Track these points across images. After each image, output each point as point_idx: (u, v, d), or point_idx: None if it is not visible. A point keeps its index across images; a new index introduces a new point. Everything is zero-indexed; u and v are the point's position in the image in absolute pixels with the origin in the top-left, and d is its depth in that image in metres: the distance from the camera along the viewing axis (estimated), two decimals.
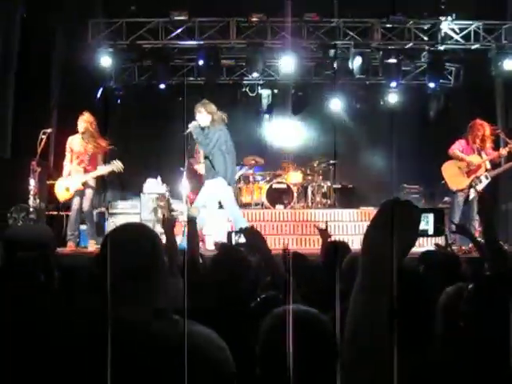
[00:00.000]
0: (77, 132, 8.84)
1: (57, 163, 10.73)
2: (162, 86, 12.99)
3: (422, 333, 1.77)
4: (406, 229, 1.40)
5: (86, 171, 8.72)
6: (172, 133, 13.62)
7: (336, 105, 13.46)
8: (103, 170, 8.78)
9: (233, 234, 3.30)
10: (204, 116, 8.03)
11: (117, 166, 8.60)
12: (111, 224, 10.70)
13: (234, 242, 3.30)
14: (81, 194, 8.74)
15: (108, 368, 1.59)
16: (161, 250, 1.90)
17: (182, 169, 9.96)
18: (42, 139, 8.73)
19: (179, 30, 12.16)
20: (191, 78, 13.87)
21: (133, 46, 12.24)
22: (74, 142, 8.79)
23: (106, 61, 12.13)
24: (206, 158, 8.17)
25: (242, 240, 3.26)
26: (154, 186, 11.18)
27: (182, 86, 13.72)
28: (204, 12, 12.05)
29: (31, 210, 7.62)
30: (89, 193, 8.79)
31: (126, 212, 11.01)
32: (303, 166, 12.51)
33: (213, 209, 8.55)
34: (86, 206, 8.78)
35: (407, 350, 1.40)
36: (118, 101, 13.73)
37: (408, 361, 1.42)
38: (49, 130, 8.98)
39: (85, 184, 8.73)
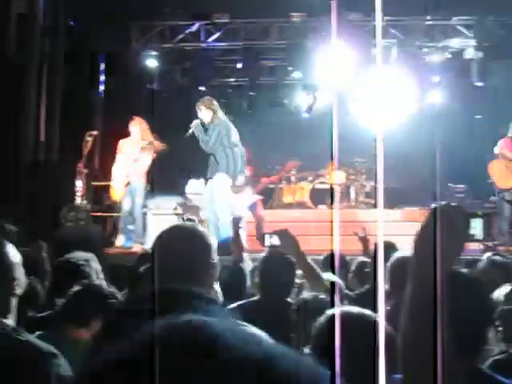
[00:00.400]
0: (126, 135, 8.89)
1: (102, 164, 10.92)
2: (203, 88, 13.01)
3: (477, 338, 1.75)
4: (456, 234, 1.39)
5: (138, 174, 8.80)
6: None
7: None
8: (146, 158, 8.76)
9: (267, 236, 3.29)
10: (204, 113, 7.85)
11: (156, 146, 8.64)
12: (154, 225, 10.81)
13: (267, 244, 3.29)
14: (131, 195, 8.81)
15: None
16: (212, 249, 1.92)
17: None
18: (87, 141, 8.89)
19: (220, 32, 12.25)
20: (232, 79, 13.91)
21: (175, 48, 12.38)
22: (125, 145, 8.82)
23: (148, 63, 12.29)
24: (209, 155, 7.89)
25: (276, 242, 3.24)
26: (196, 187, 11.25)
27: (223, 87, 13.80)
28: (245, 13, 12.11)
29: (81, 208, 7.74)
30: (139, 194, 8.85)
31: (168, 213, 11.11)
32: (346, 166, 12.40)
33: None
34: (136, 206, 8.83)
35: (462, 355, 1.39)
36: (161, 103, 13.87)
37: (462, 366, 1.41)
38: (95, 132, 9.14)
39: (135, 185, 8.79)
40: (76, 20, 11.82)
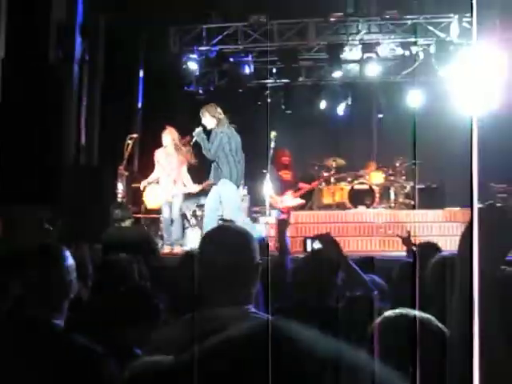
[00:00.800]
0: (161, 144, 8.97)
1: (142, 167, 11.04)
2: (241, 90, 13.00)
3: None
4: (502, 235, 1.36)
5: (174, 182, 8.86)
6: (253, 136, 13.75)
7: (416, 102, 13.12)
8: (194, 188, 8.95)
9: (308, 240, 3.26)
10: (208, 119, 7.89)
11: (208, 184, 8.67)
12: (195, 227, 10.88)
13: (309, 248, 3.26)
14: (169, 203, 8.89)
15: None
16: (257, 250, 1.92)
17: (264, 171, 9.95)
18: (128, 144, 8.98)
19: (257, 33, 12.27)
20: (270, 81, 13.89)
21: (212, 51, 12.44)
22: (160, 156, 8.90)
23: (187, 66, 12.37)
24: (213, 161, 7.89)
25: (318, 246, 3.21)
26: None
27: (260, 89, 13.81)
28: (282, 14, 12.11)
29: (127, 207, 7.85)
30: (177, 202, 8.91)
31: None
32: (385, 166, 12.27)
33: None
34: (174, 214, 8.90)
35: None
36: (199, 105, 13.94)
37: None
38: (135, 136, 9.24)
39: (174, 193, 8.88)
40: (115, 24, 11.95)
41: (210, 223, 7.41)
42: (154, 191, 9.03)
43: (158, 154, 8.92)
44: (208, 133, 7.94)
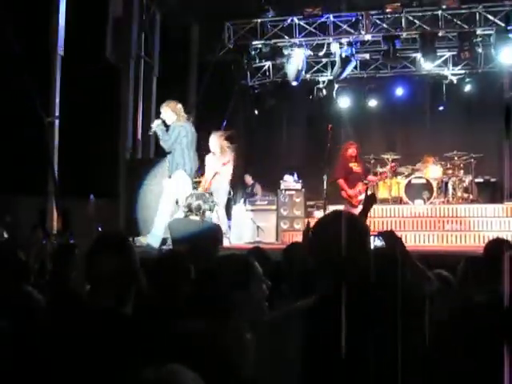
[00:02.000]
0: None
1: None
2: (295, 83, 12.87)
3: None
4: None
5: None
6: (310, 129, 13.71)
7: (475, 95, 12.80)
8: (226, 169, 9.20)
9: (371, 238, 3.17)
10: (166, 113, 8.16)
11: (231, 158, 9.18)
12: (249, 220, 10.94)
13: (372, 246, 3.19)
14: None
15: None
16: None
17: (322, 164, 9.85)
18: None
19: (312, 27, 12.20)
20: (325, 75, 13.79)
21: (267, 44, 12.42)
22: (209, 160, 9.29)
23: (241, 60, 12.39)
24: (168, 153, 8.19)
25: (380, 243, 3.14)
26: (290, 183, 11.30)
27: (313, 82, 13.73)
28: (338, 6, 12.00)
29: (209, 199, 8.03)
30: (222, 196, 9.24)
31: (263, 209, 11.22)
32: (443, 160, 12.00)
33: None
34: (220, 211, 9.11)
35: None
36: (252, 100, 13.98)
37: None
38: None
39: (218, 188, 9.14)
40: (170, 21, 12.07)
41: (168, 214, 7.72)
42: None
43: (208, 159, 9.35)
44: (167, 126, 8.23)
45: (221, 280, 2.28)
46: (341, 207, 10.81)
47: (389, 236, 2.99)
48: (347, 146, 9.59)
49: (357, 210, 9.40)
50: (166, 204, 7.94)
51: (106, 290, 2.16)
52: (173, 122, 8.14)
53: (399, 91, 13.29)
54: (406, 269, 3.28)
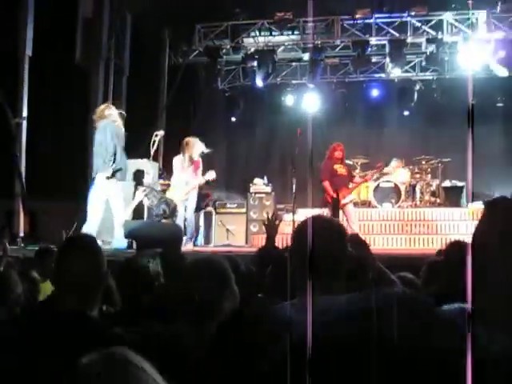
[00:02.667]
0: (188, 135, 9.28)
1: (166, 163, 11.12)
2: (261, 85, 12.80)
3: None
4: None
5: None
6: (280, 133, 13.76)
7: (443, 100, 12.99)
8: (198, 180, 9.06)
9: None
10: (96, 115, 8.16)
11: (210, 175, 8.97)
12: (219, 223, 10.95)
13: None
14: (184, 203, 9.06)
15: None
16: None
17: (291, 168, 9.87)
18: (154, 141, 9.04)
19: (283, 30, 12.26)
20: (295, 78, 13.86)
21: (237, 47, 12.45)
22: (177, 163, 9.17)
23: (212, 63, 12.39)
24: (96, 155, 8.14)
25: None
26: (260, 186, 11.34)
27: (283, 85, 13.80)
28: (307, 11, 12.06)
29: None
30: (191, 202, 9.16)
31: (232, 212, 11.23)
32: (411, 164, 12.16)
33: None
34: (189, 214, 9.10)
35: None
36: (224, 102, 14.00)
37: None
38: (161, 132, 9.29)
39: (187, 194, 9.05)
40: (140, 22, 12.02)
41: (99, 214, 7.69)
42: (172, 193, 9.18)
43: (175, 161, 9.23)
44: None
45: (195, 284, 2.29)
46: (310, 209, 10.88)
47: (354, 239, 3.04)
48: (334, 147, 9.45)
49: (348, 212, 9.37)
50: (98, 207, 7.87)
51: (73, 293, 2.15)
52: (100, 123, 8.08)
53: (368, 95, 13.44)
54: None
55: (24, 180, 8.73)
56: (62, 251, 2.33)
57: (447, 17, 11.79)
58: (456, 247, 4.32)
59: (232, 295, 2.32)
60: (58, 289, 2.26)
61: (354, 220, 9.35)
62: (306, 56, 12.33)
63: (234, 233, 10.90)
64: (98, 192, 7.80)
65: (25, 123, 9.12)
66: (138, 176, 9.27)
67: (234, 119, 13.74)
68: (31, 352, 1.91)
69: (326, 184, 9.22)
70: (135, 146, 10.64)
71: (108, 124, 7.98)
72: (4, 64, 8.77)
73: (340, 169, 9.34)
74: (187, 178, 8.99)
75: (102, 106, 8.33)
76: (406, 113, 13.32)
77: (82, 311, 2.11)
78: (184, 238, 8.76)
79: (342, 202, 9.18)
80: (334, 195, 9.13)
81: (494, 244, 1.37)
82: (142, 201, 8.27)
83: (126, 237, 7.11)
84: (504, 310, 1.36)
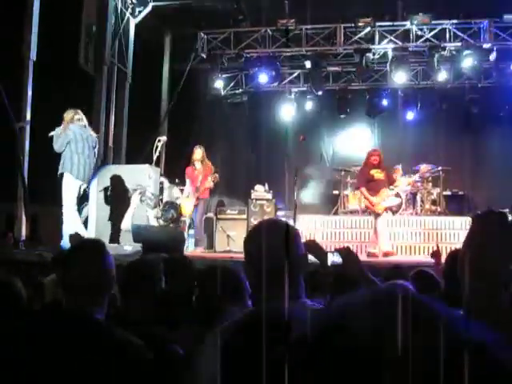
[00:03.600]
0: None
1: (168, 169, 11.16)
2: (263, 91, 12.87)
3: None
4: (505, 239, 1.38)
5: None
6: (282, 139, 13.79)
7: (445, 109, 13.02)
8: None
9: (329, 254, 3.24)
10: (64, 120, 8.40)
11: (213, 177, 9.88)
12: (220, 229, 10.96)
13: (330, 262, 3.25)
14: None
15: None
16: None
17: (295, 178, 9.87)
18: (157, 146, 9.07)
19: (285, 38, 12.28)
20: (297, 85, 13.91)
21: (240, 55, 12.49)
22: (190, 173, 10.10)
23: (214, 70, 12.44)
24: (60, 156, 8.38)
25: (338, 259, 3.20)
26: (261, 193, 11.35)
27: (285, 92, 13.84)
28: (311, 19, 12.11)
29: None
30: (201, 206, 10.09)
31: (233, 218, 11.24)
32: (412, 173, 12.17)
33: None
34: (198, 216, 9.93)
35: None
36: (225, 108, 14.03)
37: None
38: (164, 138, 9.33)
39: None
40: (144, 28, 12.07)
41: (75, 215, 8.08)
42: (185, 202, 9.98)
43: (189, 171, 10.15)
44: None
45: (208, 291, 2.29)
46: (311, 216, 10.90)
47: (345, 253, 3.06)
48: (370, 153, 9.54)
49: (382, 218, 9.42)
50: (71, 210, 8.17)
51: (81, 297, 2.17)
52: (64, 128, 8.29)
53: (371, 103, 13.47)
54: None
55: (26, 184, 8.75)
56: (70, 255, 2.35)
57: (449, 26, 11.83)
58: (455, 257, 4.35)
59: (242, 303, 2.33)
60: (66, 292, 2.28)
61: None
62: (308, 63, 12.32)
63: (234, 239, 10.89)
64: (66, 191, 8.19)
65: (28, 128, 9.15)
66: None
67: (235, 125, 13.78)
68: (38, 355, 1.93)
69: (363, 190, 9.39)
70: (138, 151, 10.70)
71: (77, 129, 8.29)
72: (8, 68, 8.80)
73: (377, 174, 9.37)
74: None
75: (72, 112, 8.50)
76: (410, 117, 13.37)
77: (89, 314, 2.13)
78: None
79: (383, 204, 9.27)
80: (373, 200, 9.25)
81: (472, 255, 1.41)
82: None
83: (135, 241, 7.20)
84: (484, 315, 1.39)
